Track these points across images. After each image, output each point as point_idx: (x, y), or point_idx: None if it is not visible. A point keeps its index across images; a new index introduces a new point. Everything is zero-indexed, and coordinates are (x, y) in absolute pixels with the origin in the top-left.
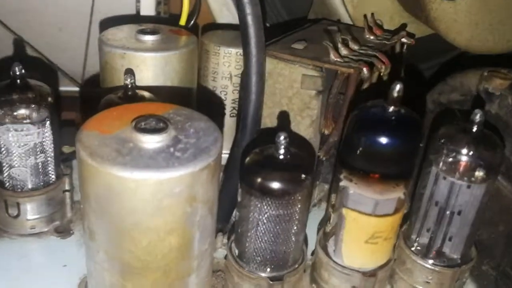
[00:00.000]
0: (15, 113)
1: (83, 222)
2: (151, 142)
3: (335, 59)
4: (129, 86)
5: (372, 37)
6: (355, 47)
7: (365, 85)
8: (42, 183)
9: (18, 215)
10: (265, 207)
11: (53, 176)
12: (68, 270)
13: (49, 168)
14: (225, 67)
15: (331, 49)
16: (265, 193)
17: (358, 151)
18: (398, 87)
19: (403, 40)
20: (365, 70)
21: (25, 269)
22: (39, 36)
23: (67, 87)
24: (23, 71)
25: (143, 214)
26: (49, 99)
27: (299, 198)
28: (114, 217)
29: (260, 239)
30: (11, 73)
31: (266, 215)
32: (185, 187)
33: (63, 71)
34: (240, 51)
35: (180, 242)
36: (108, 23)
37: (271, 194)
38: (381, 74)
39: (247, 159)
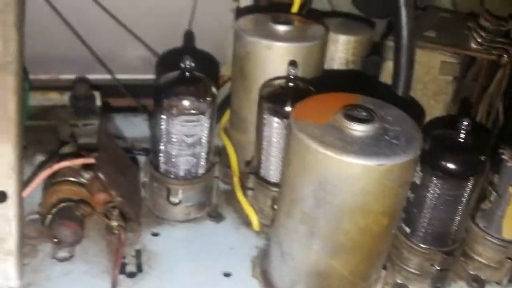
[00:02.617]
0: (185, 105)
1: (287, 207)
2: (366, 130)
3: (475, 46)
4: (291, 77)
5: (487, 23)
6: (483, 34)
7: (500, 71)
8: (198, 171)
9: (179, 203)
10: (445, 188)
11: (204, 164)
12: (235, 253)
13: (204, 157)
14: (343, 54)
15: (471, 37)
16: (450, 175)
17: None
18: None
19: None
20: (505, 56)
21: (196, 252)
22: None
23: None
24: (192, 64)
25: (368, 197)
26: (213, 91)
27: (478, 179)
28: (339, 201)
29: (436, 218)
30: (181, 65)
31: (446, 196)
32: (404, 172)
33: None
34: (357, 38)
35: (389, 223)
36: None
37: (455, 175)
38: None
39: (429, 141)
